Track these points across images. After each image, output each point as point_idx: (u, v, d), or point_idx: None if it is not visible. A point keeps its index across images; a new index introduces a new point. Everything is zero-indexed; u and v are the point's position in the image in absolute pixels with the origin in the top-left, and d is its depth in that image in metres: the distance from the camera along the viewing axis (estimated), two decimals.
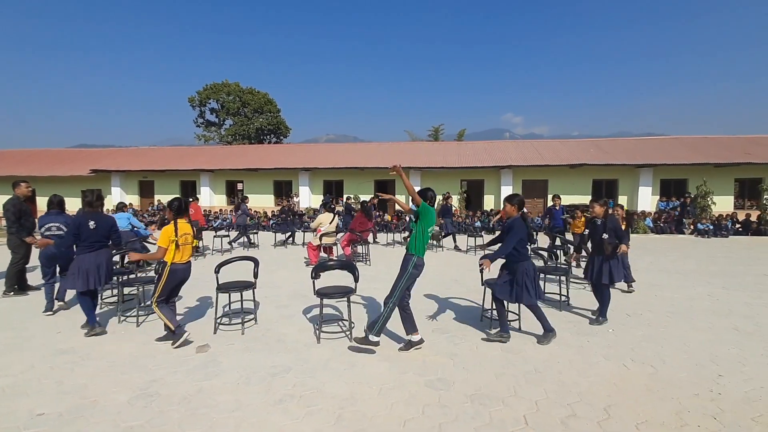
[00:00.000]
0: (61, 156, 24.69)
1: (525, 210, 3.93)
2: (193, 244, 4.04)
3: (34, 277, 6.58)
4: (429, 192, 3.81)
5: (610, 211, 4.90)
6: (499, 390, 3.10)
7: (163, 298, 3.94)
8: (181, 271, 3.94)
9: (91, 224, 4.15)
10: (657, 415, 2.77)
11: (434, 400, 2.96)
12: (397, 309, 3.72)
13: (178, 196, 4.00)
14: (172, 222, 3.88)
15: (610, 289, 4.80)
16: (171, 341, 3.93)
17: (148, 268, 7.42)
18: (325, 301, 4.26)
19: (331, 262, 4.27)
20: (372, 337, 3.67)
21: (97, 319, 4.36)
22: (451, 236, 10.96)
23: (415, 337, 3.79)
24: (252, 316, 4.73)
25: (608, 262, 4.55)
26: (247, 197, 12.39)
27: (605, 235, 4.57)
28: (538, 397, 2.99)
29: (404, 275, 3.65)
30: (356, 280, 4.15)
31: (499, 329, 4.12)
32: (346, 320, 4.33)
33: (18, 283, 5.89)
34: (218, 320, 4.46)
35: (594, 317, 4.70)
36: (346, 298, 4.17)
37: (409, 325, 3.78)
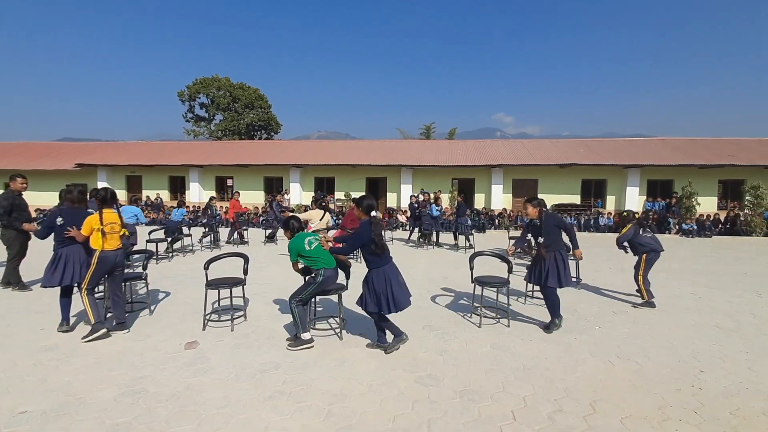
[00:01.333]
0: (45, 149, 24.12)
1: (375, 213, 3.65)
2: (120, 233, 4.09)
3: (34, 273, 6.43)
4: (291, 222, 4.00)
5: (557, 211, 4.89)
6: (487, 386, 3.14)
7: (92, 286, 4.02)
8: (112, 258, 4.05)
9: (59, 220, 4.08)
10: (640, 409, 2.84)
11: (423, 396, 2.98)
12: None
13: (107, 186, 4.26)
14: (98, 211, 4.01)
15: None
16: (86, 334, 3.94)
17: (135, 264, 7.31)
18: (316, 297, 4.25)
19: None
20: (304, 336, 3.79)
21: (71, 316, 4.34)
22: (435, 234, 11.04)
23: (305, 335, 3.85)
24: (241, 313, 4.70)
25: (548, 265, 4.28)
26: (279, 194, 12.56)
27: (541, 239, 4.35)
28: (525, 393, 3.04)
29: (312, 285, 3.82)
30: (348, 277, 4.15)
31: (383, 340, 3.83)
32: (337, 317, 4.33)
33: (10, 278, 5.79)
34: (207, 317, 4.42)
35: (547, 322, 4.40)
36: (336, 295, 4.18)
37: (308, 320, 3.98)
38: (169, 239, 8.93)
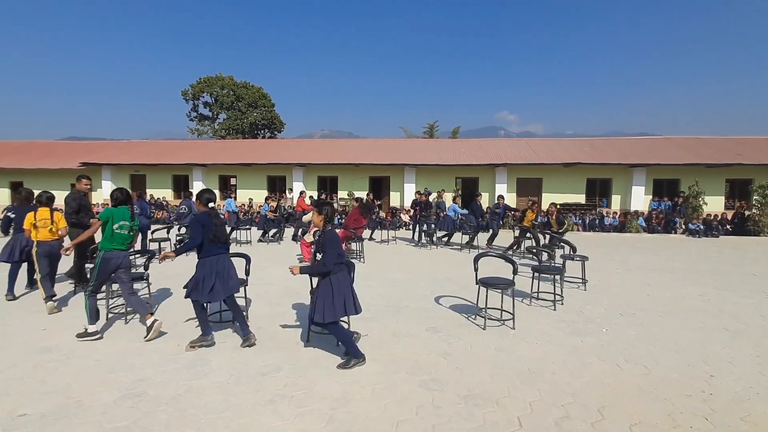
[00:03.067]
0: (49, 148, 24.24)
1: (213, 205, 3.91)
2: (49, 228, 5.00)
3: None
4: (115, 193, 4.27)
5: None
6: (492, 390, 3.08)
7: (43, 273, 4.91)
8: (48, 247, 4.98)
9: (11, 215, 5.60)
10: (650, 416, 2.77)
11: (427, 400, 2.93)
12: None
13: (46, 190, 5.41)
14: (34, 210, 5.02)
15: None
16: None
17: (138, 264, 7.30)
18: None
19: None
20: (89, 328, 3.95)
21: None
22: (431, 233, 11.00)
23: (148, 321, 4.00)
24: (243, 314, 4.65)
25: (318, 293, 3.44)
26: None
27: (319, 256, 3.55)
28: (531, 398, 2.97)
29: (95, 270, 4.03)
30: (351, 281, 4.08)
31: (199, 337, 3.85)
32: (342, 320, 4.27)
33: (78, 276, 5.86)
34: (208, 317, 4.38)
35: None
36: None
37: (142, 309, 4.13)
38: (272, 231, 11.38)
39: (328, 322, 3.38)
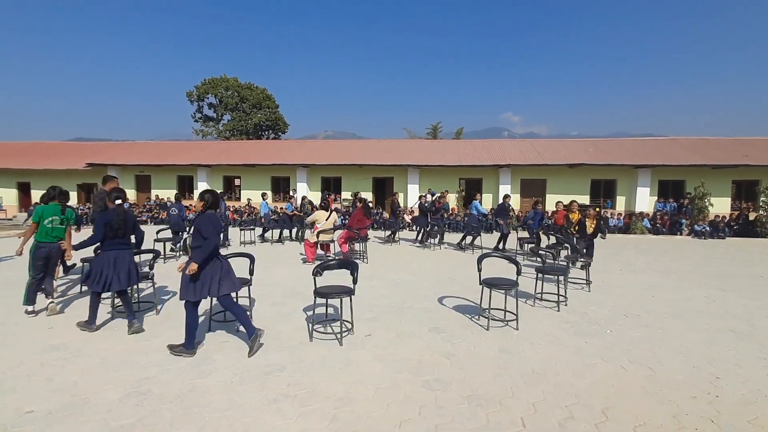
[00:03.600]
0: (56, 149, 24.46)
1: (120, 202, 4.24)
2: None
3: None
4: (48, 191, 4.86)
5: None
6: (496, 391, 3.07)
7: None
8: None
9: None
10: (655, 417, 2.75)
11: (430, 400, 2.93)
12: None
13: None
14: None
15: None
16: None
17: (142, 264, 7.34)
18: (323, 299, 4.21)
19: (333, 261, 4.25)
20: (27, 307, 4.58)
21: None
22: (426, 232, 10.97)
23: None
24: (247, 313, 4.67)
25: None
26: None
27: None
28: (535, 399, 2.96)
29: (30, 257, 4.58)
30: (355, 282, 4.09)
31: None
32: (345, 320, 4.28)
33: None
34: (213, 317, 4.41)
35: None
36: (342, 298, 4.13)
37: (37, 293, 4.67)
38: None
39: (184, 299, 3.62)
